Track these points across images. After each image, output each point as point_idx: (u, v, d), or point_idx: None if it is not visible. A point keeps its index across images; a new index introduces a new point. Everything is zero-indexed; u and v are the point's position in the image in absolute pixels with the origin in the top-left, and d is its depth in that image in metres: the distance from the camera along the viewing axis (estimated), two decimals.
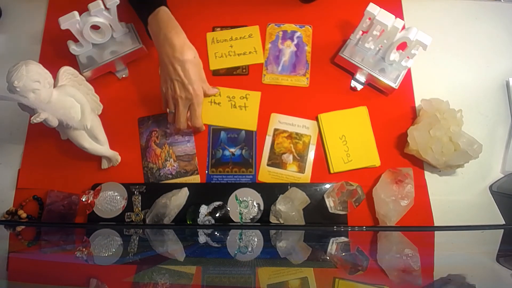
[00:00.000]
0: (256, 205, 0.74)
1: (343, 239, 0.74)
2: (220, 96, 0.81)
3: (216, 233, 0.73)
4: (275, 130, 0.79)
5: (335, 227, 0.73)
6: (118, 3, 0.72)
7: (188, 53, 0.70)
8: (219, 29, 0.86)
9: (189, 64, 0.70)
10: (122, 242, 0.71)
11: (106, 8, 0.73)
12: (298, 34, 0.86)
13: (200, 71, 0.73)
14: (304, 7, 0.88)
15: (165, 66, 0.71)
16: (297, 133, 0.79)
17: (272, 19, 0.87)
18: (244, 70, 0.83)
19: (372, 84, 0.82)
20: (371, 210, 0.75)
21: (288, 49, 0.85)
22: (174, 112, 0.74)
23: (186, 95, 0.71)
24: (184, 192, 0.74)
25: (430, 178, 0.77)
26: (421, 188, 0.76)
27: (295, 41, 0.85)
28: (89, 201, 0.73)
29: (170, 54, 0.70)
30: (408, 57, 0.77)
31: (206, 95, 0.78)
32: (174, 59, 0.70)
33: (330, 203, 0.72)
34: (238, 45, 0.84)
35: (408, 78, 0.82)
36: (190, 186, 0.75)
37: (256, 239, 0.71)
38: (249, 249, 0.66)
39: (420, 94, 0.81)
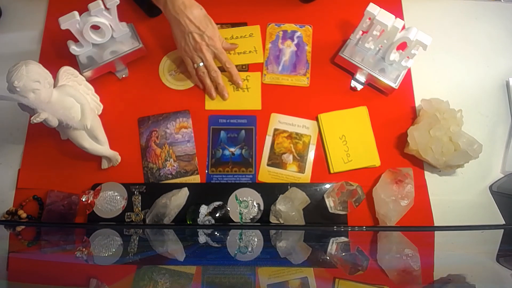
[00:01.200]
0: (256, 205, 0.74)
1: (343, 239, 0.74)
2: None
3: (216, 233, 0.73)
4: (275, 130, 0.79)
5: (335, 227, 0.73)
6: (118, 3, 0.72)
7: (197, 9, 0.75)
8: (219, 26, 0.86)
9: (202, 16, 0.76)
10: (122, 242, 0.71)
11: (106, 8, 0.73)
12: (298, 34, 0.86)
13: (214, 24, 0.78)
14: (304, 7, 0.88)
15: (178, 24, 0.75)
16: (297, 133, 0.79)
17: (272, 19, 0.87)
18: (244, 67, 0.83)
19: (372, 84, 0.82)
20: (371, 210, 0.75)
21: (288, 49, 0.85)
22: (204, 64, 0.78)
23: (207, 42, 0.76)
24: (184, 192, 0.74)
25: (430, 178, 0.77)
26: (421, 188, 0.76)
27: (295, 41, 0.85)
28: (89, 201, 0.73)
29: (182, 11, 0.74)
30: (408, 57, 0.77)
31: (226, 49, 0.82)
32: (186, 14, 0.74)
33: (330, 203, 0.72)
34: (238, 44, 0.85)
35: (408, 78, 0.82)
36: (190, 186, 0.75)
37: (256, 239, 0.71)
38: (249, 249, 0.66)
39: (420, 94, 0.81)
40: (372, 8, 0.73)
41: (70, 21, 0.71)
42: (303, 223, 0.72)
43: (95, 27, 0.76)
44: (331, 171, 0.77)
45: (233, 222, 0.74)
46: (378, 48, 0.79)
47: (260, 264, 0.60)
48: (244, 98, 0.81)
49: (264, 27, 0.86)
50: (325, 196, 0.73)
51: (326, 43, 0.85)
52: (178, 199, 0.73)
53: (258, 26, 0.86)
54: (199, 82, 0.81)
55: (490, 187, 0.77)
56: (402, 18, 0.79)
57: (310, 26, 0.86)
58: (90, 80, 0.77)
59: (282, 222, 0.71)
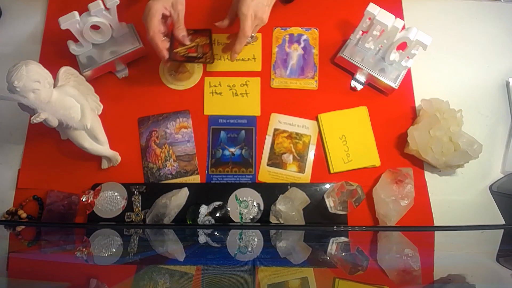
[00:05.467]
0: (256, 205, 0.74)
1: (343, 239, 0.74)
2: (220, 86, 0.82)
3: (216, 233, 0.73)
4: (275, 130, 0.79)
5: (335, 227, 0.73)
6: (118, 3, 0.72)
7: None
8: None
9: None
10: (122, 242, 0.71)
11: (106, 8, 0.73)
12: (304, 37, 0.85)
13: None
14: (309, 10, 0.87)
15: None
16: (297, 133, 0.79)
17: (278, 23, 0.86)
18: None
19: (372, 84, 0.82)
20: (371, 210, 0.75)
21: (295, 52, 0.84)
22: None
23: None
24: (184, 192, 0.74)
25: (430, 178, 0.77)
26: (421, 188, 0.76)
27: (302, 44, 0.85)
28: (89, 201, 0.73)
29: None
30: (408, 57, 0.77)
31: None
32: None
33: (330, 203, 0.72)
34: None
35: (408, 78, 0.82)
36: (190, 186, 0.75)
37: (256, 239, 0.71)
38: (249, 249, 0.66)
39: (420, 94, 0.81)
40: (372, 8, 0.73)
41: (70, 21, 0.71)
42: (303, 223, 0.72)
43: (95, 27, 0.76)
44: (331, 171, 0.77)
45: (233, 222, 0.74)
46: (378, 48, 0.79)
47: (260, 264, 0.60)
48: (243, 103, 0.81)
49: (268, 32, 0.86)
50: (325, 196, 0.73)
51: (326, 44, 0.85)
52: (178, 199, 0.73)
53: (260, 34, 0.85)
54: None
55: (490, 187, 0.77)
56: (402, 18, 0.79)
57: (316, 29, 0.86)
58: (90, 80, 0.77)
59: (282, 222, 0.71)
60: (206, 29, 0.81)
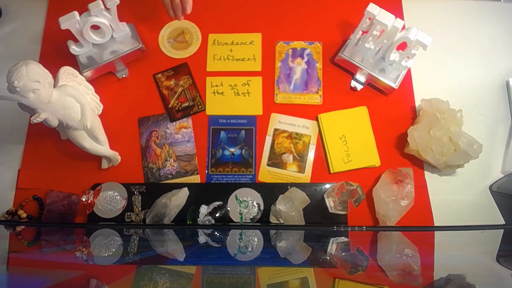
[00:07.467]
0: (256, 205, 0.74)
1: (343, 239, 0.74)
2: (222, 86, 0.82)
3: (216, 233, 0.73)
4: (275, 130, 0.79)
5: (335, 227, 0.73)
6: (118, 3, 0.72)
7: None
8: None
9: None
10: (122, 242, 0.71)
11: (106, 8, 0.73)
12: (308, 51, 0.85)
13: None
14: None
15: None
16: (297, 133, 0.79)
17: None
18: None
19: (372, 84, 0.82)
20: (371, 210, 0.75)
21: (299, 67, 0.84)
22: None
23: None
24: (184, 192, 0.74)
25: (430, 178, 0.77)
26: (421, 188, 0.76)
27: (306, 59, 0.84)
28: (89, 201, 0.73)
29: None
30: (408, 57, 0.77)
31: None
32: None
33: (330, 203, 0.72)
34: (237, 50, 0.84)
35: (408, 78, 0.82)
36: (190, 186, 0.75)
37: (256, 239, 0.71)
38: (249, 249, 0.66)
39: (420, 94, 0.81)
40: (372, 8, 0.73)
41: (70, 21, 0.71)
42: (303, 223, 0.72)
43: (95, 27, 0.76)
44: (331, 171, 0.77)
45: (233, 222, 0.74)
46: (378, 48, 0.79)
47: (260, 264, 0.60)
48: (245, 103, 0.81)
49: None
50: (325, 196, 0.73)
51: (326, 44, 0.85)
52: (178, 199, 0.73)
53: (260, 34, 0.85)
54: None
55: (490, 187, 0.77)
56: (402, 18, 0.79)
57: (320, 43, 0.85)
58: (90, 80, 0.77)
59: (282, 222, 0.71)
60: (182, 63, 0.83)
